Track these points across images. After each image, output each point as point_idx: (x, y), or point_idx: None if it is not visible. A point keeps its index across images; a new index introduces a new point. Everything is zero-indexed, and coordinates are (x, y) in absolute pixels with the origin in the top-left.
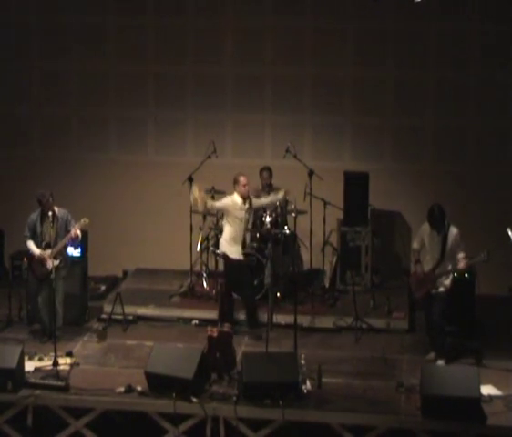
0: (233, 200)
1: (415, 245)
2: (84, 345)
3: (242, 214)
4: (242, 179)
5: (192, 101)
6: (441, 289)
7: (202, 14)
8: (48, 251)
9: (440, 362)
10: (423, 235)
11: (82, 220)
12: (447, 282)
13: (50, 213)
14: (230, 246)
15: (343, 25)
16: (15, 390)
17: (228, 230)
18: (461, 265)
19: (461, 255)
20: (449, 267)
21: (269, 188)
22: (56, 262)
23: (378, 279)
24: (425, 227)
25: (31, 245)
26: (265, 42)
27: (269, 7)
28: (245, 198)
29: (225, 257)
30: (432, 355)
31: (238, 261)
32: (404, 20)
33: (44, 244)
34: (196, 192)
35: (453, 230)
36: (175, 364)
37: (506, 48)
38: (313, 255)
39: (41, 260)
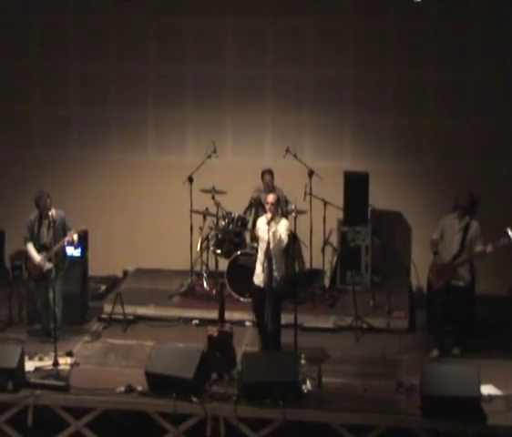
0: (262, 218)
1: (435, 236)
2: (84, 345)
3: (263, 234)
4: (268, 197)
5: (192, 101)
6: (460, 283)
7: (202, 14)
8: (43, 255)
9: (456, 352)
10: (443, 226)
11: (80, 228)
12: (468, 276)
13: (50, 213)
14: (256, 269)
15: (343, 26)
16: (16, 390)
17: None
18: (488, 248)
19: (481, 247)
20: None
21: (270, 190)
22: (51, 264)
23: (378, 278)
24: (446, 218)
25: (31, 248)
26: (265, 42)
27: (269, 7)
28: (271, 213)
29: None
30: (435, 352)
31: (256, 286)
32: (404, 20)
33: (41, 245)
34: None
35: (474, 223)
36: (175, 364)
37: (506, 48)
38: (313, 255)
39: (37, 265)
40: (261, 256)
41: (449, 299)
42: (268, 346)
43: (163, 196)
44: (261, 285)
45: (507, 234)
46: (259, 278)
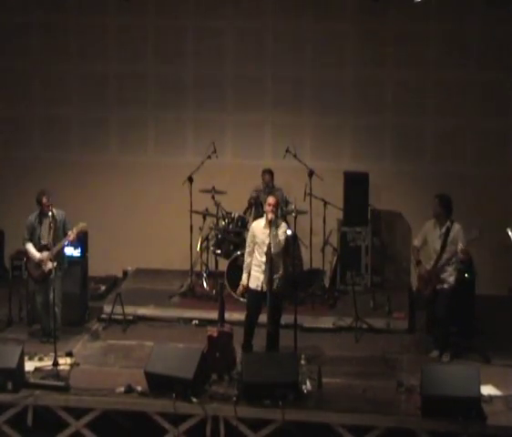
0: (258, 222)
1: (416, 242)
2: (84, 345)
3: (262, 237)
4: (269, 199)
5: (192, 101)
6: (445, 285)
7: (202, 14)
8: (45, 254)
9: (445, 359)
10: (426, 232)
11: (80, 225)
12: (451, 279)
13: (50, 214)
14: (252, 271)
15: (343, 25)
16: (15, 390)
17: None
18: (459, 247)
19: (459, 247)
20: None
21: (270, 189)
22: (54, 264)
23: (378, 279)
24: (428, 224)
25: (30, 248)
26: (265, 42)
27: (269, 7)
28: (268, 217)
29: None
30: (435, 353)
31: (252, 290)
32: (404, 20)
33: (41, 245)
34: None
35: (456, 226)
36: (175, 364)
37: (506, 48)
38: (313, 255)
39: (39, 263)
40: (258, 259)
41: (437, 301)
42: (250, 348)
43: (163, 196)
44: (258, 289)
45: (508, 234)
46: (255, 282)
